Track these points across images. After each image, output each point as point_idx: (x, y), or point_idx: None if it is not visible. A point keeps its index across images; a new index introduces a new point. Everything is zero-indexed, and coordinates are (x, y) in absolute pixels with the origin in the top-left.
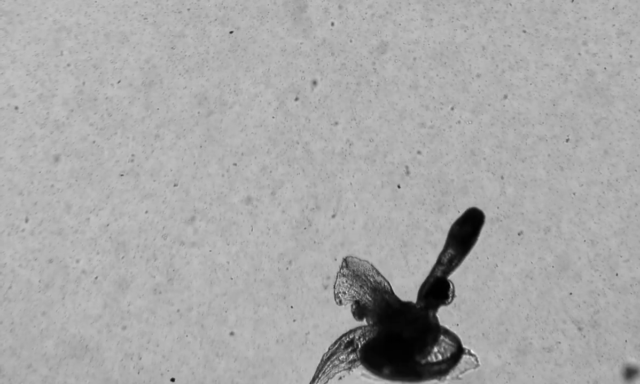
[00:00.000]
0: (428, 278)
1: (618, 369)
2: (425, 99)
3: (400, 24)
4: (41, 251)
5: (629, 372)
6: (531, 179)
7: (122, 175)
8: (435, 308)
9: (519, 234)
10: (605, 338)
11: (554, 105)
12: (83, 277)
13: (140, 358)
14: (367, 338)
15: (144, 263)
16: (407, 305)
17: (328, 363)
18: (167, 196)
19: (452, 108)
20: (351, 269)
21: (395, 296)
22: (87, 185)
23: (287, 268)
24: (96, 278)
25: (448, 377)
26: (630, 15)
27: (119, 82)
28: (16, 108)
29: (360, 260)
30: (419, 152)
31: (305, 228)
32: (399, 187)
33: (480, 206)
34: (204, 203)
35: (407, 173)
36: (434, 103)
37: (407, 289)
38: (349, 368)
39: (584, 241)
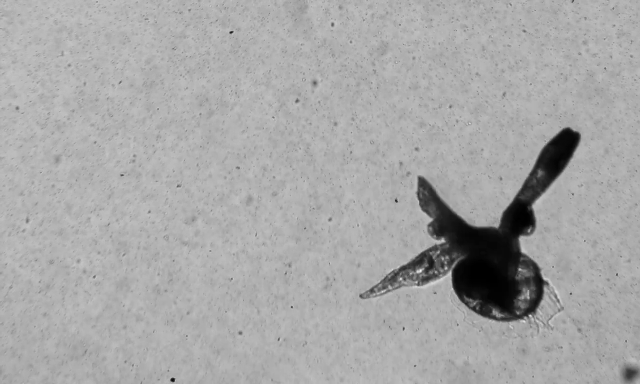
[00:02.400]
0: (512, 203)
1: (618, 369)
2: (425, 99)
3: (400, 25)
4: (42, 251)
5: (629, 372)
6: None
7: (123, 176)
8: (517, 235)
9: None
10: (605, 338)
11: (553, 105)
12: (84, 277)
13: (141, 358)
14: (444, 257)
15: (144, 264)
16: (488, 229)
17: (401, 274)
18: (168, 197)
19: (452, 109)
20: (427, 188)
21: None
22: (88, 185)
23: (288, 268)
24: (96, 278)
25: (539, 322)
26: (631, 15)
27: (120, 82)
28: (17, 108)
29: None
30: (418, 151)
31: (305, 229)
32: (396, 200)
33: (479, 207)
34: (205, 204)
35: (407, 174)
36: (433, 103)
37: (406, 289)
38: (420, 284)
39: (584, 241)
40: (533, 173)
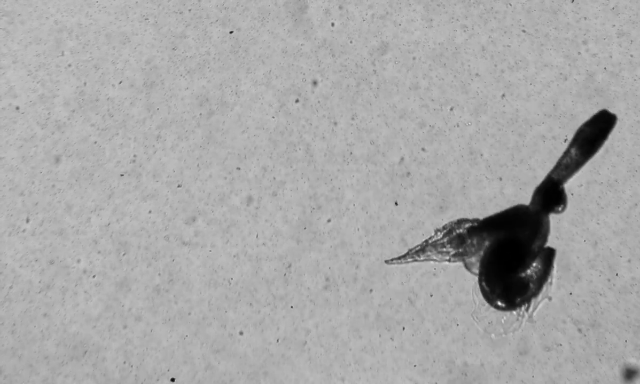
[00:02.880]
0: (544, 181)
1: (618, 369)
2: (425, 100)
3: (400, 25)
4: (42, 251)
5: (629, 372)
6: (530, 179)
7: (123, 176)
8: (547, 212)
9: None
10: (605, 338)
11: (553, 105)
12: (84, 277)
13: (141, 358)
14: (474, 235)
15: (144, 264)
16: (518, 207)
17: (430, 247)
18: (168, 197)
19: (452, 109)
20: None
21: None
22: (89, 185)
23: (288, 268)
24: (96, 278)
25: (524, 315)
26: (631, 15)
27: (120, 82)
28: (17, 108)
29: None
30: (419, 152)
31: (305, 229)
32: (396, 203)
33: (479, 207)
34: (205, 204)
35: (408, 174)
36: (433, 104)
37: (406, 289)
38: (450, 260)
39: (584, 241)
40: (567, 152)
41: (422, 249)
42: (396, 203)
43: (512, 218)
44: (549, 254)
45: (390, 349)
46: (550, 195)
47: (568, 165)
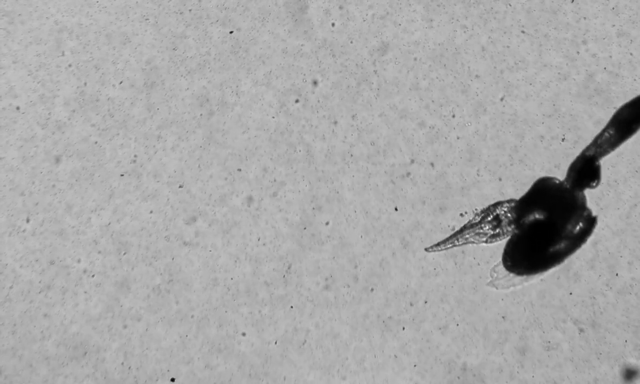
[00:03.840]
0: (578, 157)
1: (618, 369)
2: (426, 100)
3: (400, 25)
4: (42, 251)
5: (629, 372)
6: (530, 179)
7: (123, 176)
8: (582, 188)
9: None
10: (605, 338)
11: (553, 105)
12: (84, 277)
13: (141, 359)
14: (510, 214)
15: (145, 264)
16: (554, 184)
17: (468, 230)
18: (169, 197)
19: (452, 109)
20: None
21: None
22: (89, 185)
23: (288, 269)
24: (97, 278)
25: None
26: (631, 15)
27: (120, 82)
28: (17, 108)
29: None
30: (418, 152)
31: (305, 229)
32: (396, 209)
33: (479, 207)
34: (206, 204)
35: (408, 174)
36: (434, 104)
37: (407, 289)
38: (488, 241)
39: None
40: (604, 130)
41: (461, 232)
42: (396, 209)
43: (547, 194)
44: (590, 223)
45: (390, 349)
46: (585, 170)
47: (604, 144)
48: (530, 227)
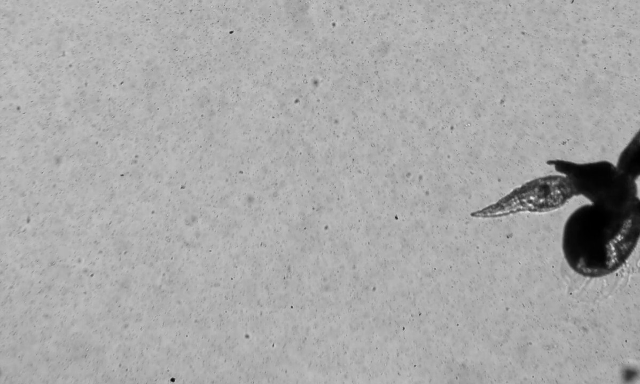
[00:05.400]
0: (631, 144)
1: (618, 369)
2: (426, 100)
3: (401, 25)
4: (43, 251)
5: (629, 372)
6: (530, 179)
7: (124, 176)
8: (635, 175)
9: (513, 235)
10: (605, 338)
11: (553, 105)
12: (84, 277)
13: (141, 358)
14: (559, 189)
15: (145, 264)
16: (606, 165)
17: (516, 198)
18: (169, 197)
19: (452, 110)
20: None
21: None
22: (90, 186)
23: (288, 269)
24: (97, 278)
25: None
26: (630, 16)
27: (121, 83)
28: (18, 108)
29: None
30: (418, 152)
31: (305, 229)
32: (396, 217)
33: (479, 207)
34: (206, 204)
35: (408, 174)
36: (434, 104)
37: (407, 289)
38: (535, 210)
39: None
40: None
41: (507, 200)
42: (396, 217)
43: (597, 173)
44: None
45: (390, 349)
46: (637, 157)
47: None
48: (579, 211)
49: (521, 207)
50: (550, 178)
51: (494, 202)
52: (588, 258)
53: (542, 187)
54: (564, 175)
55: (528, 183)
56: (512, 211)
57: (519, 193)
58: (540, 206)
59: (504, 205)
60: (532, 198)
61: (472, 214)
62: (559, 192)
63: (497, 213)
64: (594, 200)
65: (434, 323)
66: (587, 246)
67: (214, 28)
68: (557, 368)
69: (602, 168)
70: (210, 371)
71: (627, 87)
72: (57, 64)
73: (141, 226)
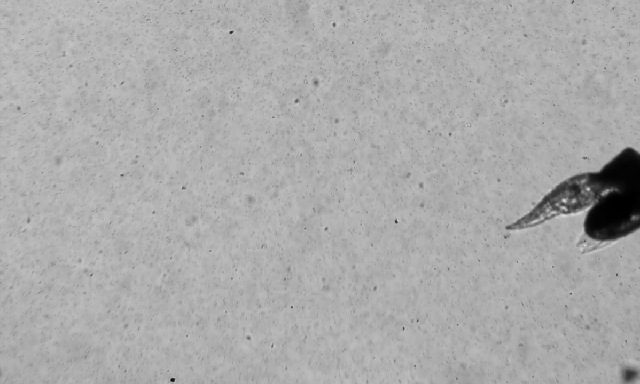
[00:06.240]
0: None
1: (618, 369)
2: (426, 100)
3: (401, 25)
4: (43, 251)
5: (629, 373)
6: (530, 179)
7: (124, 176)
8: None
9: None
10: (605, 338)
11: (553, 105)
12: (84, 277)
13: (141, 358)
14: (589, 186)
15: (145, 264)
16: (634, 155)
17: (548, 204)
18: (170, 198)
19: (452, 110)
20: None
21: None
22: (90, 186)
23: (288, 269)
24: (97, 278)
25: None
26: (630, 16)
27: (121, 83)
28: (18, 108)
29: None
30: (419, 152)
31: (305, 229)
32: (396, 221)
33: (479, 207)
34: (206, 205)
35: (408, 174)
36: (434, 104)
37: (407, 289)
38: (569, 212)
39: (585, 241)
40: None
41: (540, 207)
42: (396, 221)
43: (626, 166)
44: None
45: (390, 349)
46: None
47: None
48: (609, 199)
49: (555, 212)
50: (578, 177)
51: (527, 213)
52: (607, 233)
53: (571, 188)
54: (590, 176)
55: (557, 187)
56: (547, 218)
57: (550, 198)
58: (575, 207)
59: (538, 213)
60: (564, 200)
61: (507, 227)
62: (589, 189)
63: (533, 222)
64: (626, 190)
65: (434, 323)
66: (609, 225)
67: (214, 28)
68: (557, 368)
69: (627, 156)
70: (210, 371)
71: (627, 87)
72: (57, 64)
73: (141, 226)
